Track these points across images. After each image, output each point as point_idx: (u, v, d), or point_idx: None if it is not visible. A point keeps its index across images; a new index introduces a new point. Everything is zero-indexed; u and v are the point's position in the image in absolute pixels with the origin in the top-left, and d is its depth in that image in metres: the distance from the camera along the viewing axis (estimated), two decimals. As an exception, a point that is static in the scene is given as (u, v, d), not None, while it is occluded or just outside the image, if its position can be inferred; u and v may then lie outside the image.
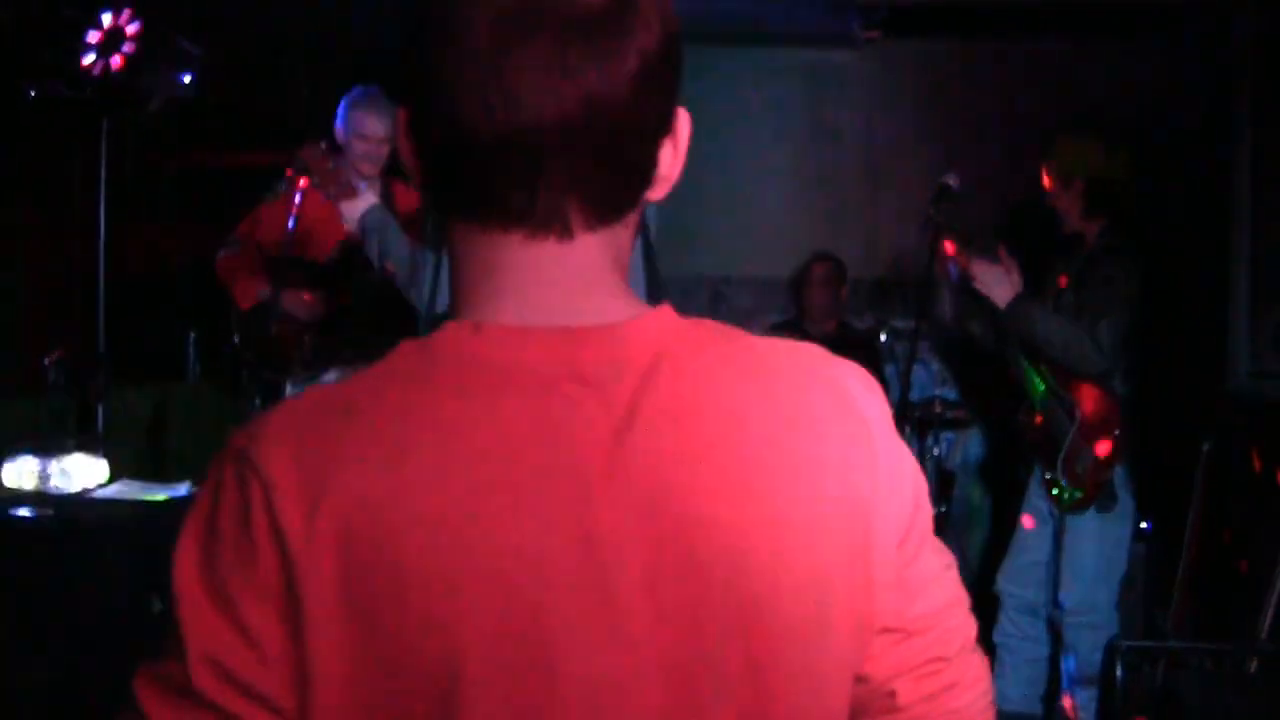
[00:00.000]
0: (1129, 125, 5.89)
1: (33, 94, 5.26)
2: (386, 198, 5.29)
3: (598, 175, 1.10)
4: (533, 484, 1.04)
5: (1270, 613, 4.07)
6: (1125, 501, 4.62)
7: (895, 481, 1.17)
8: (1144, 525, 4.95)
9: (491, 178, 1.09)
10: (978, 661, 1.29)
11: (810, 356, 1.19)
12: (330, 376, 5.26)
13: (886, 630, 1.20)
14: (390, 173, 5.32)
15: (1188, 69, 5.95)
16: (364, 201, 4.48)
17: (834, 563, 1.11)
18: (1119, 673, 3.88)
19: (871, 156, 6.85)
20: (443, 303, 4.49)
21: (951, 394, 6.19)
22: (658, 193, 1.17)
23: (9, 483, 4.25)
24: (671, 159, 1.17)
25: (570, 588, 1.03)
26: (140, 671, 1.11)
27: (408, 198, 5.46)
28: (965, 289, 4.88)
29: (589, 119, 1.06)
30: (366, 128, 5.17)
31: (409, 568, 1.01)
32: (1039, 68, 6.46)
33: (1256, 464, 4.65)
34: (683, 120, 1.17)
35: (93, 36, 5.03)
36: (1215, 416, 4.70)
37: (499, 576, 1.02)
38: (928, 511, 1.22)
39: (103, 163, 5.16)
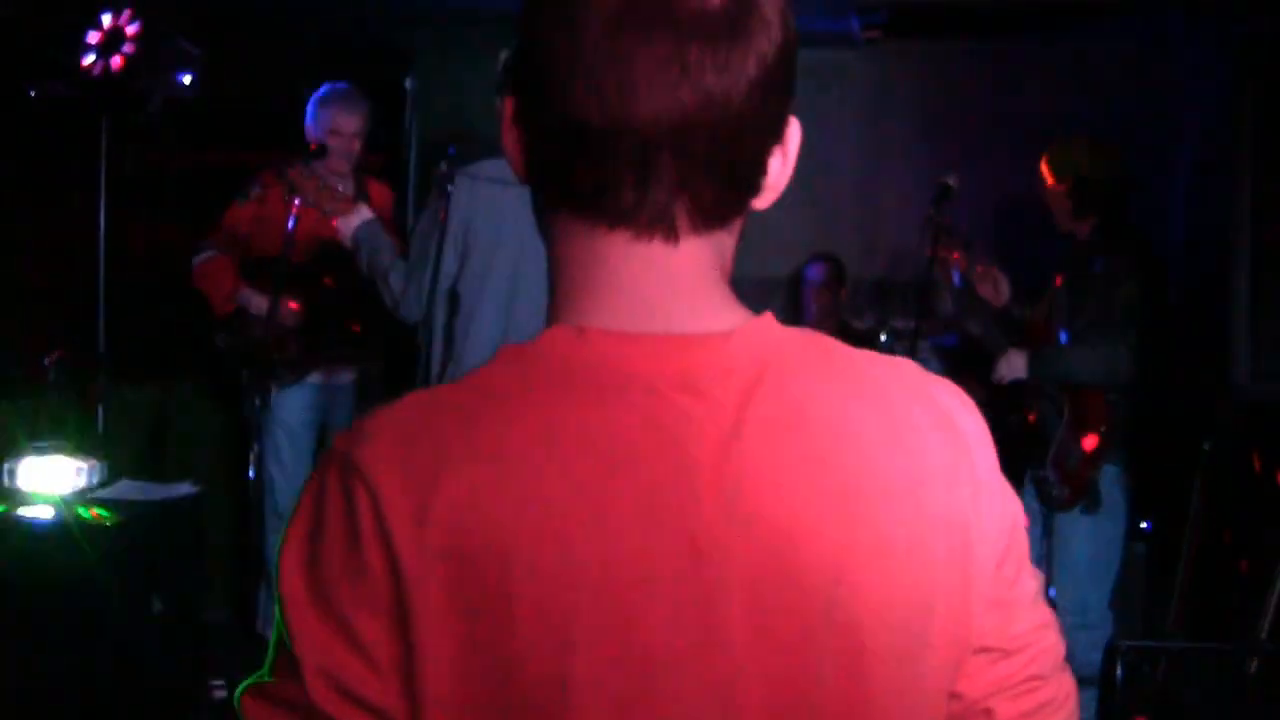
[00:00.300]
0: (1129, 125, 5.89)
1: (33, 94, 5.27)
2: (360, 195, 5.30)
3: (708, 178, 1.08)
4: (642, 492, 1.03)
5: (1270, 613, 4.07)
6: (1117, 501, 4.61)
7: (994, 500, 1.16)
8: (1144, 525, 4.95)
9: (602, 172, 1.07)
10: (1069, 680, 1.28)
11: (909, 371, 1.18)
12: (315, 378, 5.25)
13: (985, 650, 1.19)
14: (362, 169, 5.31)
15: (1189, 70, 5.95)
16: (358, 216, 4.47)
17: (936, 580, 1.11)
18: (1119, 673, 3.88)
19: (871, 156, 6.84)
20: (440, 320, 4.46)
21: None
22: (763, 202, 1.16)
23: (9, 483, 4.25)
24: (780, 169, 1.16)
25: (676, 600, 1.02)
26: (246, 691, 1.08)
27: (382, 195, 5.46)
28: (968, 292, 4.88)
29: (704, 120, 1.05)
30: (341, 124, 5.18)
31: (519, 568, 1.00)
32: (1039, 68, 6.45)
33: (1257, 464, 4.65)
34: (794, 130, 1.17)
35: (93, 37, 5.03)
36: (1216, 417, 4.70)
37: (608, 584, 1.01)
38: (1024, 533, 1.22)
39: (102, 162, 5.16)
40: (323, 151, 5.03)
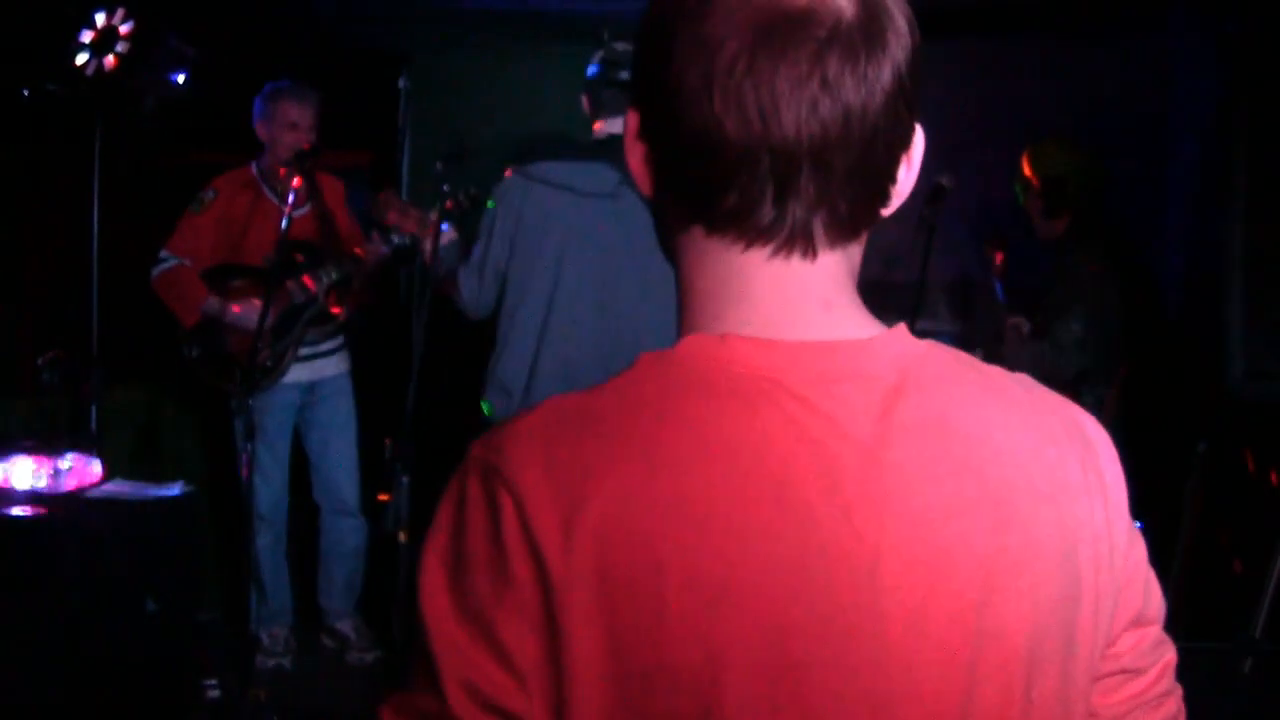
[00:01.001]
0: (1126, 125, 5.89)
1: (26, 93, 5.26)
2: (314, 191, 5.28)
3: (846, 192, 1.07)
4: (792, 501, 1.01)
5: (1265, 613, 4.07)
6: None
7: (1124, 515, 1.16)
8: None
9: (740, 190, 1.05)
10: (1181, 692, 1.29)
11: (1036, 385, 1.18)
12: (291, 378, 5.24)
13: (1122, 670, 1.20)
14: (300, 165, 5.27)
15: (1185, 69, 5.95)
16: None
17: (1082, 589, 1.10)
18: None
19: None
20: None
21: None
22: (889, 209, 1.14)
23: (3, 482, 4.25)
24: (906, 176, 1.14)
25: (829, 612, 1.00)
26: (388, 703, 1.07)
27: (334, 190, 5.45)
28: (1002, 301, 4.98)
29: (844, 134, 1.04)
30: (296, 116, 5.16)
31: (670, 576, 0.98)
32: (1035, 67, 6.45)
33: (1251, 464, 4.66)
34: (919, 136, 1.15)
35: (86, 36, 5.02)
36: (1211, 417, 4.70)
37: (761, 589, 0.99)
38: (1145, 552, 1.22)
39: (96, 162, 5.15)
40: (315, 152, 5.01)
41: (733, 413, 1.03)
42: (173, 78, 5.24)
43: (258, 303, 4.97)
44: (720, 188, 1.06)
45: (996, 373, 1.15)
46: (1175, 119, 5.92)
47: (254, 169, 5.26)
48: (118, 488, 4.47)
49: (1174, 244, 5.72)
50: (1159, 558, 3.97)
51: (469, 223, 4.97)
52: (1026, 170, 4.89)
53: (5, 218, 5.87)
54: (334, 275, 5.19)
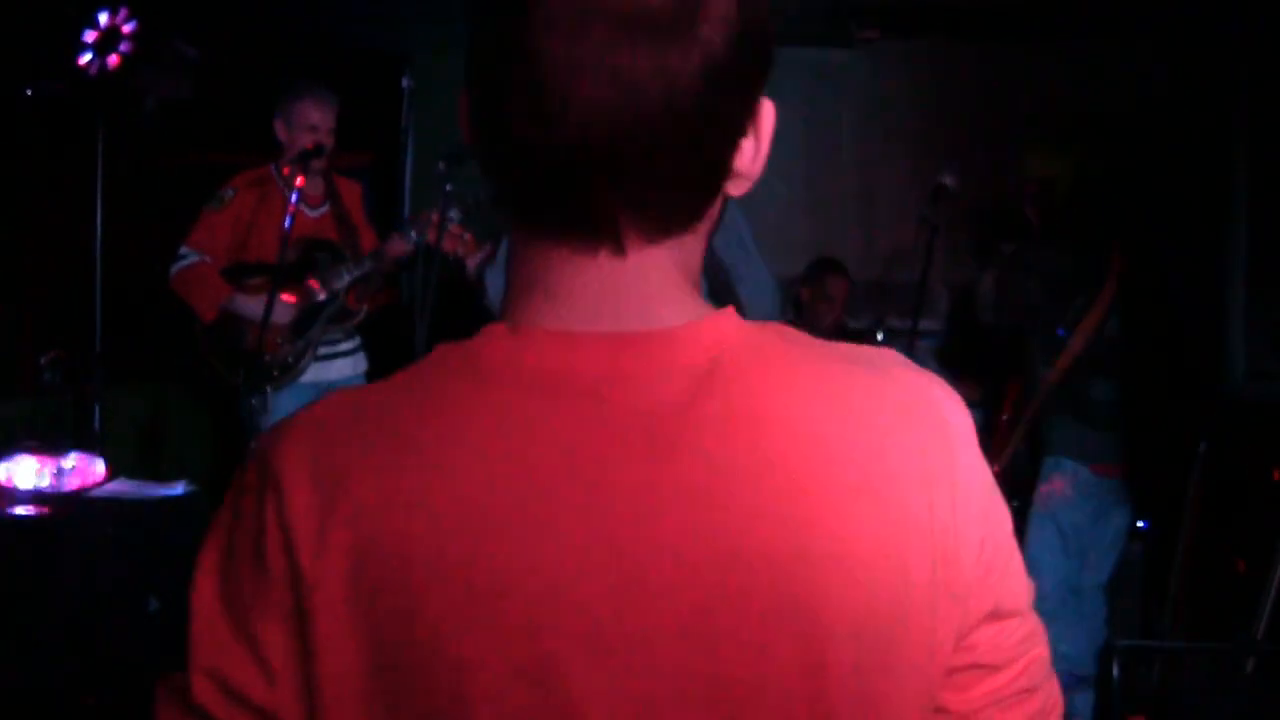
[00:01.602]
0: (1127, 124, 5.90)
1: (29, 93, 5.26)
2: (331, 192, 5.30)
3: (654, 187, 1.01)
4: (557, 495, 0.97)
5: (1266, 613, 4.07)
6: (1068, 493, 4.71)
7: (978, 503, 1.08)
8: (1140, 525, 4.96)
9: (541, 187, 1.01)
10: (1056, 688, 1.20)
11: (889, 366, 1.10)
12: (309, 378, 5.26)
13: (977, 665, 1.11)
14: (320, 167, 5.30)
15: (1186, 68, 5.95)
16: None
17: (909, 586, 1.02)
18: (1115, 673, 3.88)
19: (868, 156, 6.85)
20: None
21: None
22: (737, 190, 1.08)
23: (5, 482, 4.25)
24: (753, 155, 1.07)
25: (594, 611, 0.96)
26: (160, 680, 1.07)
27: (351, 192, 5.46)
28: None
29: (642, 126, 0.97)
30: (317, 119, 5.17)
31: (418, 579, 0.96)
32: (1037, 67, 6.46)
33: (1253, 464, 4.66)
34: (766, 112, 1.07)
35: (89, 36, 5.03)
36: (1212, 417, 4.70)
37: (513, 590, 0.96)
38: (1010, 531, 1.14)
39: (99, 162, 5.16)
40: (319, 151, 5.04)
41: (509, 408, 1.00)
42: (176, 78, 5.25)
43: (282, 298, 5.00)
44: (520, 185, 1.03)
45: (837, 356, 1.08)
46: (1176, 117, 5.92)
47: (272, 169, 5.25)
48: (121, 487, 4.48)
49: (1175, 242, 5.72)
50: (1161, 558, 3.96)
51: (473, 225, 4.99)
52: (1020, 174, 4.99)
53: (8, 217, 5.88)
54: (354, 273, 5.20)
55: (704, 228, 1.08)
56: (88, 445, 4.62)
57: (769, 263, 5.90)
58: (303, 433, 1.03)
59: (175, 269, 5.15)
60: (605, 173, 0.98)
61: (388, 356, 5.66)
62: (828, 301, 6.19)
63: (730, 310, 1.07)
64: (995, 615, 1.11)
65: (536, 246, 1.05)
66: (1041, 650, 1.17)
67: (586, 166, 0.98)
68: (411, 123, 6.54)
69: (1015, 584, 1.14)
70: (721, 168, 1.05)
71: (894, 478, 1.02)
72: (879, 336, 5.91)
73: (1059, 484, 4.74)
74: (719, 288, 3.77)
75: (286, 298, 5.09)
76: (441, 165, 4.59)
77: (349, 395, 1.06)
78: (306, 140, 5.10)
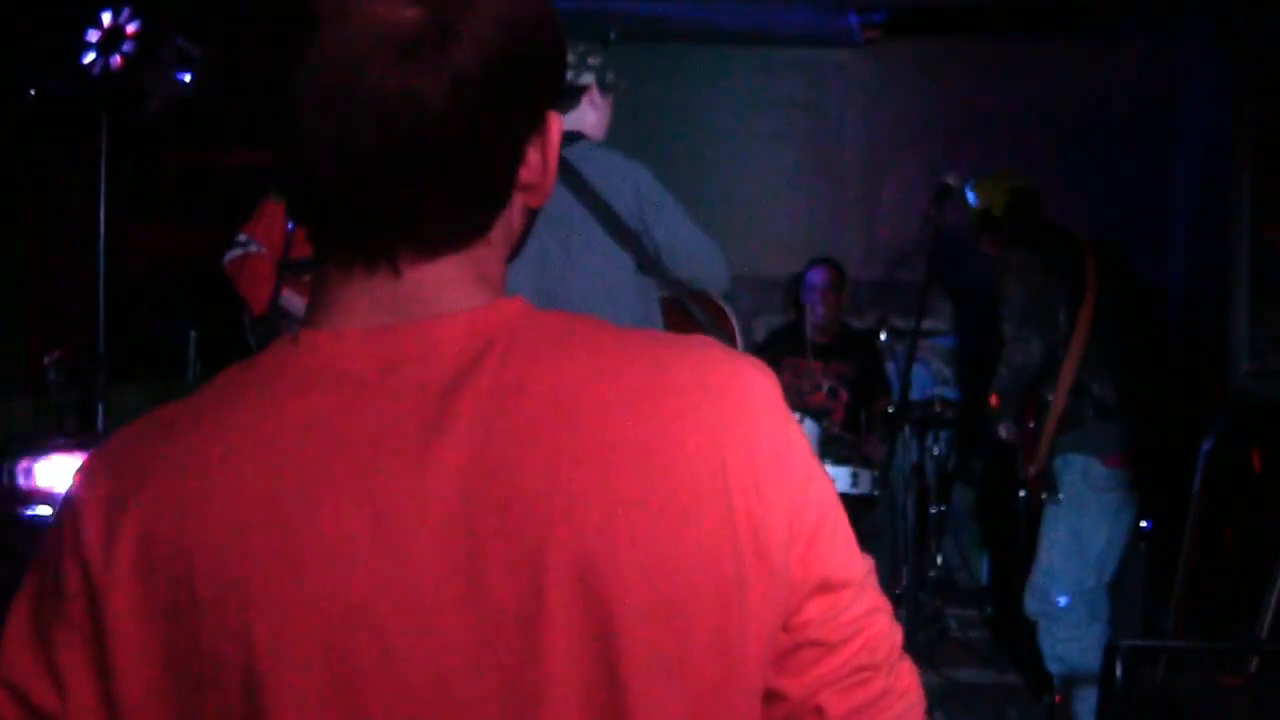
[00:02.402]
0: (1129, 124, 5.90)
1: (33, 93, 5.26)
2: None
3: (421, 210, 1.01)
4: (333, 482, 0.98)
5: (1270, 612, 4.07)
6: (1081, 493, 4.72)
7: (785, 478, 1.05)
8: (1144, 524, 4.96)
9: (312, 211, 1.04)
10: (907, 669, 1.16)
11: (697, 343, 1.08)
12: None
13: (810, 643, 1.08)
14: None
15: (1189, 67, 5.95)
16: None
17: (700, 564, 0.99)
18: (1118, 672, 3.87)
19: (871, 156, 6.85)
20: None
21: (951, 394, 6.20)
22: (533, 200, 1.10)
23: (9, 482, 4.25)
24: (541, 168, 1.08)
25: (370, 588, 0.96)
26: None
27: None
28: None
29: (397, 151, 0.98)
30: None
31: (200, 575, 0.97)
32: (1038, 66, 6.46)
33: (1257, 463, 4.65)
34: (553, 124, 1.08)
35: (93, 35, 5.03)
36: (1216, 415, 4.70)
37: (294, 582, 0.96)
38: (837, 513, 1.11)
39: (102, 162, 5.16)
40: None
41: (284, 406, 1.01)
42: (179, 77, 5.24)
43: None
44: (296, 206, 1.06)
45: (630, 338, 1.07)
46: (1180, 118, 5.93)
47: None
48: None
49: (1177, 243, 5.72)
50: (1165, 557, 3.96)
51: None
52: (967, 213, 5.09)
53: (12, 217, 5.88)
54: None
55: (498, 237, 1.09)
56: (91, 445, 4.61)
57: (770, 264, 5.92)
58: (103, 454, 1.07)
59: (230, 256, 5.16)
60: (366, 197, 1.00)
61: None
62: (811, 290, 6.22)
63: (518, 299, 1.07)
64: (824, 588, 1.08)
65: (323, 262, 1.06)
66: (884, 628, 1.13)
67: (347, 191, 0.99)
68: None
69: (843, 554, 1.10)
70: (495, 184, 1.06)
71: (675, 449, 1.00)
72: (882, 336, 5.91)
73: (1071, 484, 4.74)
74: (646, 261, 3.75)
75: None
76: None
77: (147, 417, 1.09)
78: None
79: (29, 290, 6.00)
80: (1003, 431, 4.99)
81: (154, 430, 1.06)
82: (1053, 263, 4.74)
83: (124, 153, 5.42)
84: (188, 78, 5.29)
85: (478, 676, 0.96)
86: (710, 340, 1.10)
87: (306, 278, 5.02)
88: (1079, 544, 4.74)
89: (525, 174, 1.07)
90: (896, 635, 1.15)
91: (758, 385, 1.07)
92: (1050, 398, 4.71)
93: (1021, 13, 6.22)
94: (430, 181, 1.00)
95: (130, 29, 5.02)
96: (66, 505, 1.04)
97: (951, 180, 4.87)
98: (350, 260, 1.04)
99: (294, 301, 5.08)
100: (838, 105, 6.88)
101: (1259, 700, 3.78)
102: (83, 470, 1.06)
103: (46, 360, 5.22)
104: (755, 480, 1.02)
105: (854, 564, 1.12)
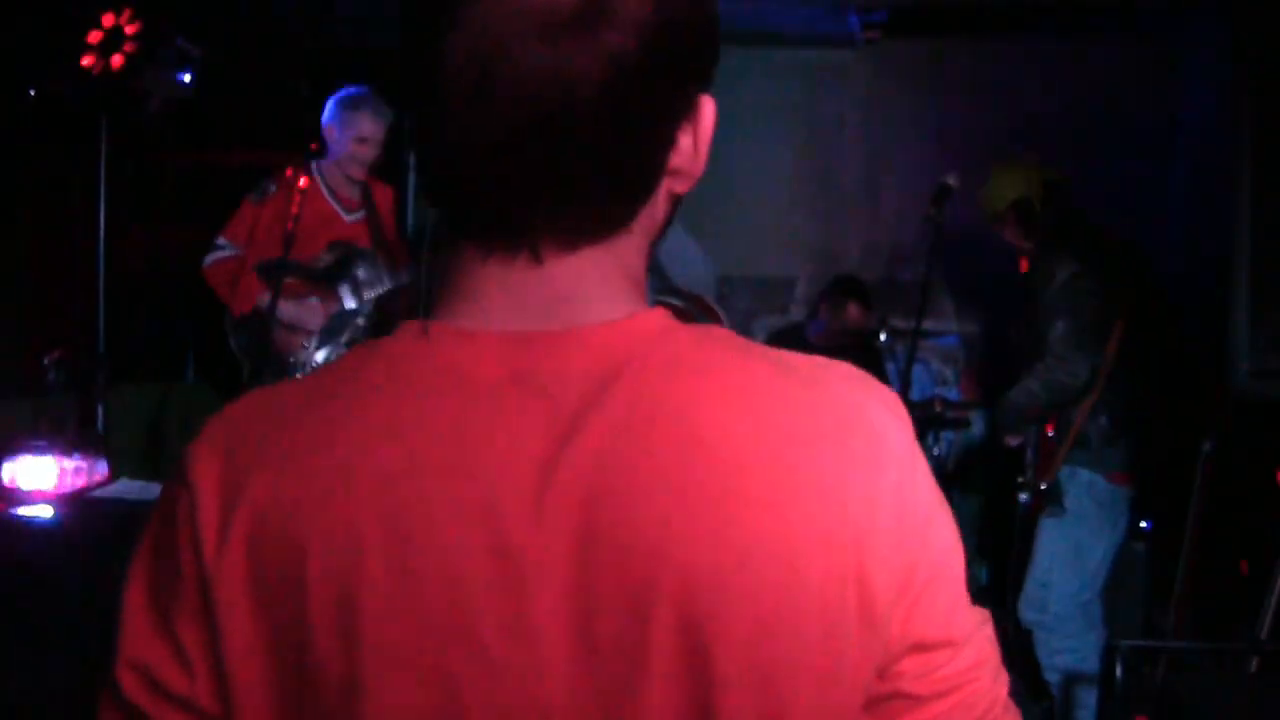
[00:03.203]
0: (1129, 124, 5.89)
1: (33, 93, 5.27)
2: (366, 198, 5.31)
3: (568, 193, 0.99)
4: (451, 493, 0.96)
5: (1270, 613, 4.07)
6: (1086, 507, 4.70)
7: (905, 523, 1.01)
8: (1144, 525, 4.96)
9: (459, 197, 1.01)
10: None
11: (833, 375, 1.05)
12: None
13: (900, 694, 1.04)
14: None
15: (1190, 67, 5.95)
16: None
17: (808, 605, 0.96)
18: (1118, 672, 3.87)
19: (871, 156, 6.85)
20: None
21: (952, 394, 6.19)
22: (680, 186, 1.07)
23: (9, 482, 4.25)
24: (692, 153, 1.05)
25: (480, 608, 0.95)
26: (103, 679, 1.09)
27: (385, 197, 5.47)
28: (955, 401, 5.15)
29: (546, 131, 0.95)
30: (369, 131, 5.17)
31: (313, 581, 0.96)
32: (1039, 66, 6.46)
33: (1257, 463, 4.65)
34: (706, 109, 1.05)
35: (93, 36, 5.04)
36: (1216, 416, 4.70)
37: (403, 590, 0.95)
38: (950, 559, 1.06)
39: (102, 162, 5.16)
40: (323, 151, 5.05)
41: (409, 406, 0.99)
42: (179, 78, 5.25)
43: (313, 303, 5.01)
44: (438, 188, 1.03)
45: (767, 364, 1.02)
46: (1179, 119, 5.93)
47: (314, 168, 5.23)
48: (125, 487, 4.48)
49: (1177, 243, 5.72)
50: (1164, 558, 3.95)
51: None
52: (989, 204, 4.95)
53: (12, 218, 5.89)
54: (389, 284, 5.21)
55: (641, 227, 1.05)
56: (91, 445, 4.61)
57: (769, 264, 5.91)
58: (218, 431, 1.04)
59: (209, 260, 5.14)
60: (513, 180, 0.97)
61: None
62: (840, 324, 6.19)
63: (659, 311, 1.04)
64: (921, 647, 1.04)
65: (459, 247, 1.04)
66: (984, 684, 1.08)
67: (493, 174, 0.97)
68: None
69: (947, 613, 1.06)
70: (644, 170, 1.03)
71: (802, 492, 0.97)
72: (882, 337, 5.90)
73: (1076, 496, 4.73)
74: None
75: (317, 300, 5.09)
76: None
77: (265, 392, 1.07)
78: (356, 150, 5.10)
79: (29, 290, 6.01)
80: (1011, 441, 4.97)
81: (272, 412, 1.04)
82: (1109, 284, 4.69)
83: (124, 153, 5.43)
84: (188, 78, 5.30)
85: (578, 709, 0.96)
86: (848, 372, 1.06)
87: (291, 280, 5.02)
88: (1078, 556, 4.73)
89: (675, 159, 1.04)
90: (1000, 689, 1.10)
91: (890, 431, 1.03)
92: (1074, 413, 4.69)
93: (1021, 13, 6.22)
94: (578, 165, 0.97)
95: (130, 29, 5.03)
96: (181, 480, 1.02)
97: (951, 180, 4.85)
98: (489, 244, 1.02)
99: (278, 307, 5.07)
100: (837, 106, 6.88)
101: (1259, 700, 3.78)
102: (199, 444, 1.04)
103: (46, 360, 5.22)
104: (872, 540, 0.99)
105: (958, 622, 1.06)
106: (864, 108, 6.85)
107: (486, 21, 0.94)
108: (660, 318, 1.03)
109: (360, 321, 5.21)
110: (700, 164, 1.06)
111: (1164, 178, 5.97)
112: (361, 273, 5.21)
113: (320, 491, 0.97)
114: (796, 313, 6.80)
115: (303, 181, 4.82)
